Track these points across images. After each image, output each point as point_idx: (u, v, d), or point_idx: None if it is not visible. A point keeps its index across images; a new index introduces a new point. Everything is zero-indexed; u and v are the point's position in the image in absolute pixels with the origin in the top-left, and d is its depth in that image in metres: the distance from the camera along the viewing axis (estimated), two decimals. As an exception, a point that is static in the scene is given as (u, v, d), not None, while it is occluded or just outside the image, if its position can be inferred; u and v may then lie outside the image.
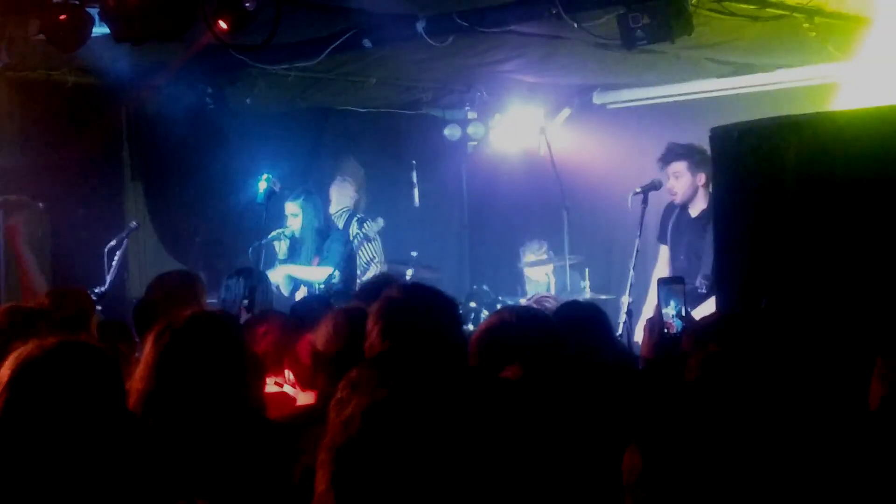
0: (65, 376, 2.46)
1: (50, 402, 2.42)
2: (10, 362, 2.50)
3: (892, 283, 4.02)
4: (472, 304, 8.25)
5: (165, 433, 2.66)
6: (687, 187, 6.76)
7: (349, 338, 3.17)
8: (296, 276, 7.72)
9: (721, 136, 4.69)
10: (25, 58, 6.58)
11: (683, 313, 3.51)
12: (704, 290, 6.24)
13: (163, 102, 7.89)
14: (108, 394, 2.51)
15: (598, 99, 9.68)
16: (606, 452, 1.90)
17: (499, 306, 8.20)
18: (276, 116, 8.74)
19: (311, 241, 7.68)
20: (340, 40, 6.74)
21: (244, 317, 5.42)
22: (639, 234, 6.60)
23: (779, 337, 2.74)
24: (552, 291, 8.08)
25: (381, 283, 4.70)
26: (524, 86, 8.90)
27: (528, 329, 2.94)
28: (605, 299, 7.79)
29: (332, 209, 8.46)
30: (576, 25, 6.19)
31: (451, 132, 9.48)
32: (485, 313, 8.12)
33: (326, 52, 6.84)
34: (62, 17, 5.37)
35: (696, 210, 6.79)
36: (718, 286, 4.83)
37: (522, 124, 9.18)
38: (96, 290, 6.41)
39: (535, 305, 4.91)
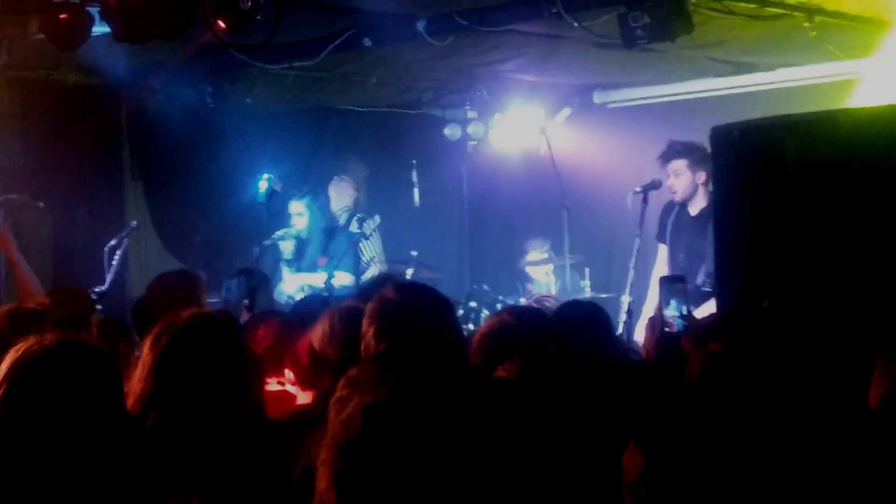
0: (62, 373, 2.46)
1: (46, 399, 2.43)
2: (8, 357, 2.50)
3: (893, 281, 4.02)
4: (473, 304, 8.26)
5: (164, 434, 2.66)
6: (687, 185, 6.76)
7: (345, 337, 3.16)
8: (313, 285, 7.65)
9: (721, 135, 4.69)
10: (26, 57, 6.58)
11: (685, 312, 3.50)
12: (709, 289, 6.23)
13: (163, 102, 7.89)
14: (105, 392, 2.51)
15: (598, 98, 9.68)
16: (605, 451, 1.90)
17: (499, 306, 8.21)
18: (276, 116, 8.75)
19: (316, 240, 7.67)
20: (340, 39, 6.74)
21: (245, 317, 5.43)
22: (639, 233, 6.60)
23: (780, 336, 2.73)
24: (553, 291, 8.08)
25: (380, 283, 4.70)
26: (524, 85, 8.90)
27: (528, 330, 2.93)
28: (606, 298, 7.79)
29: (333, 208, 8.46)
30: (576, 25, 6.20)
31: (451, 132, 9.48)
32: (485, 313, 8.12)
33: (327, 51, 6.84)
34: (62, 16, 5.37)
35: (695, 208, 6.79)
36: (719, 285, 4.83)
37: (523, 124, 9.18)
38: (96, 290, 6.42)
39: (535, 305, 4.90)
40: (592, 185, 8.90)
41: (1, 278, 6.36)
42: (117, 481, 2.39)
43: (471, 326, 8.00)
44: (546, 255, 8.86)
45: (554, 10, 6.00)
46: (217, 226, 8.59)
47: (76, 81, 7.56)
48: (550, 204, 8.53)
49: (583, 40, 6.92)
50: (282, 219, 7.95)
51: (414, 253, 8.53)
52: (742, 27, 6.67)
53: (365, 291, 4.50)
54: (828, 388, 2.54)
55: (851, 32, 6.97)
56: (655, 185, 6.73)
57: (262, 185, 7.17)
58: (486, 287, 8.67)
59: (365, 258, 8.26)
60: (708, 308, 5.54)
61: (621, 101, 9.56)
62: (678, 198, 6.82)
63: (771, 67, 8.35)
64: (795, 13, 6.43)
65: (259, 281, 5.98)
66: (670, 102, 9.10)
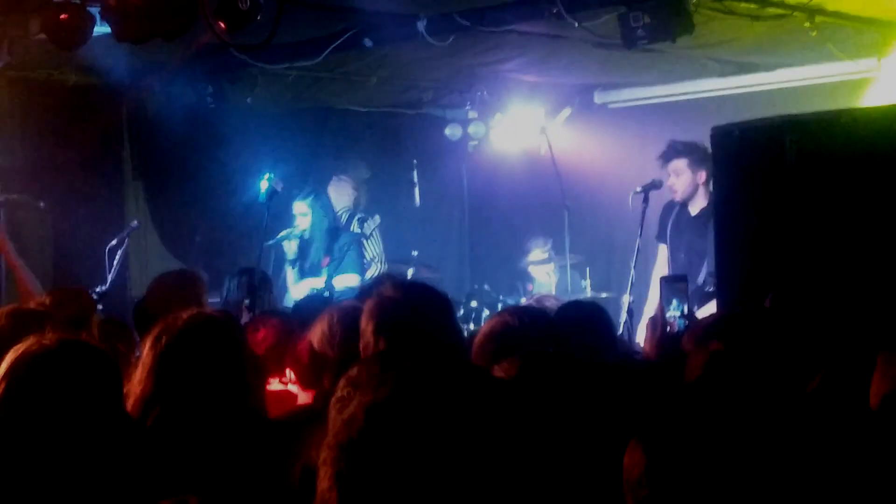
0: (62, 373, 2.46)
1: (45, 399, 2.43)
2: (8, 357, 2.50)
3: (893, 281, 4.02)
4: (473, 304, 8.26)
5: (164, 434, 2.66)
6: (687, 185, 6.76)
7: (344, 336, 3.16)
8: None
9: (722, 135, 4.69)
10: (26, 57, 6.58)
11: (686, 312, 3.50)
12: (711, 289, 6.23)
13: (163, 102, 7.89)
14: (104, 392, 2.51)
15: (598, 98, 9.68)
16: (605, 450, 1.90)
17: (499, 306, 8.21)
18: (276, 116, 8.75)
19: (320, 240, 7.64)
20: (341, 39, 6.74)
21: (246, 317, 5.43)
22: (639, 233, 6.60)
23: (780, 336, 2.74)
24: (553, 291, 8.08)
25: (380, 283, 4.70)
26: (525, 85, 8.90)
27: (530, 330, 2.93)
28: (606, 298, 7.80)
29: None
30: (577, 25, 6.20)
31: (451, 132, 9.48)
32: (486, 313, 8.13)
33: (327, 51, 6.84)
34: (63, 16, 5.37)
35: (696, 208, 6.79)
36: (719, 285, 4.83)
37: (523, 124, 9.19)
38: (97, 290, 6.42)
39: (535, 305, 4.90)
40: (593, 185, 8.91)
41: (1, 279, 6.36)
42: (116, 481, 2.39)
43: (471, 326, 8.00)
44: (548, 255, 8.86)
45: (554, 11, 6.01)
46: (218, 226, 8.59)
47: (77, 81, 7.57)
48: (551, 204, 8.53)
49: (583, 40, 6.92)
50: (283, 219, 7.94)
51: (415, 253, 8.53)
52: (743, 27, 6.67)
53: (365, 291, 4.50)
54: (828, 388, 2.54)
55: (852, 32, 6.98)
56: (656, 185, 6.73)
57: (263, 184, 7.16)
58: (486, 287, 8.67)
59: (366, 258, 8.25)
60: (711, 308, 5.54)
61: (622, 101, 9.56)
62: (678, 197, 6.82)
63: (771, 67, 8.35)
64: (796, 13, 6.43)
65: (260, 281, 5.97)
66: (671, 102, 9.10)
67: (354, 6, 6.20)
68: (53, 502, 2.36)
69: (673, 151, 6.82)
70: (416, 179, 9.45)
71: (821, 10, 6.43)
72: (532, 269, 9.01)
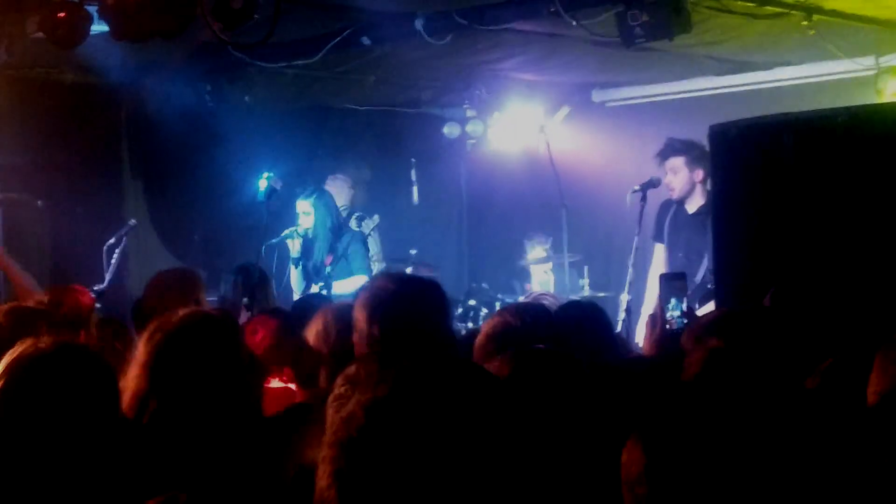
0: (58, 377, 2.46)
1: (41, 402, 2.43)
2: (5, 359, 2.50)
3: (891, 279, 4.03)
4: (472, 302, 8.26)
5: (158, 432, 2.65)
6: (684, 183, 6.77)
7: (339, 334, 3.17)
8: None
9: (720, 134, 4.69)
10: (24, 56, 6.57)
11: (685, 309, 3.50)
12: (712, 286, 6.23)
13: (162, 101, 7.88)
14: (100, 397, 2.51)
15: (596, 97, 9.68)
16: (602, 447, 1.90)
17: (498, 304, 8.21)
18: (275, 115, 8.74)
19: (323, 239, 7.61)
20: (339, 38, 6.73)
21: (244, 316, 5.42)
22: (637, 231, 6.60)
23: (779, 333, 2.74)
24: (551, 289, 8.08)
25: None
26: (523, 84, 8.90)
27: (532, 330, 2.93)
28: (604, 297, 7.80)
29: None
30: (575, 23, 6.20)
31: (450, 130, 9.48)
32: (484, 311, 8.13)
33: (325, 49, 6.83)
34: (61, 14, 5.36)
35: (693, 206, 6.80)
36: (717, 284, 4.84)
37: (521, 122, 9.19)
38: (95, 288, 6.41)
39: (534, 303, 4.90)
40: (591, 184, 8.91)
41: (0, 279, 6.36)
42: (110, 481, 2.39)
43: (469, 325, 8.00)
44: (544, 254, 8.86)
45: (552, 9, 6.01)
46: (216, 224, 8.59)
47: (75, 80, 7.56)
48: (549, 202, 8.53)
49: (581, 39, 6.92)
50: (282, 217, 7.94)
51: (413, 251, 8.52)
52: (741, 26, 6.68)
53: (361, 290, 4.50)
54: (826, 385, 2.55)
55: (850, 31, 6.98)
56: (654, 184, 6.74)
57: (262, 183, 7.15)
58: (484, 285, 8.68)
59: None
60: (712, 306, 5.54)
61: (620, 99, 9.56)
62: (675, 196, 6.82)
63: (769, 66, 8.36)
64: (794, 12, 6.44)
65: (258, 279, 5.95)
66: (669, 101, 9.10)
67: (353, 5, 6.20)
68: (48, 502, 2.36)
69: (670, 149, 6.82)
70: (414, 178, 9.45)
71: (819, 9, 6.44)
72: (530, 268, 9.01)
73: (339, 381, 2.26)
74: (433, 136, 9.59)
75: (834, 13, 6.55)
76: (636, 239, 6.60)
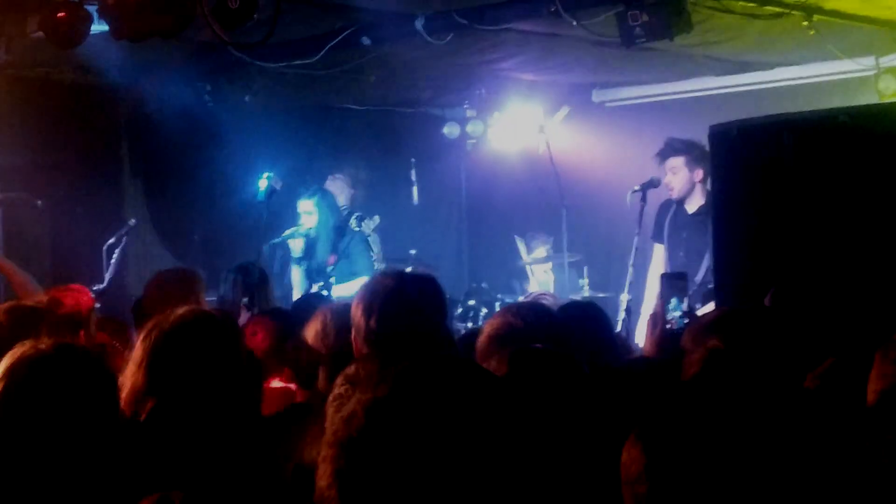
0: (58, 379, 2.46)
1: (41, 404, 2.43)
2: (5, 360, 2.50)
3: (890, 278, 4.03)
4: (471, 302, 8.26)
5: (156, 429, 2.65)
6: (684, 183, 6.77)
7: (338, 334, 3.17)
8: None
9: (720, 134, 4.69)
10: (24, 55, 6.57)
11: (686, 309, 3.50)
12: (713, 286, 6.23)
13: (161, 100, 7.88)
14: (99, 399, 2.51)
15: (596, 97, 9.69)
16: (602, 446, 1.90)
17: (497, 304, 8.22)
18: (274, 114, 8.74)
19: (326, 239, 7.59)
20: (339, 38, 6.73)
21: (244, 315, 5.41)
22: (637, 231, 6.60)
23: (779, 332, 2.74)
24: (551, 289, 8.08)
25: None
26: (523, 84, 8.90)
27: (535, 331, 2.92)
28: (604, 297, 7.80)
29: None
30: (575, 23, 6.20)
31: (449, 130, 9.48)
32: (484, 311, 8.13)
33: (325, 49, 6.83)
34: (61, 14, 5.36)
35: (693, 206, 6.80)
36: (717, 284, 4.84)
37: (521, 122, 9.19)
38: (95, 288, 6.41)
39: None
40: (591, 184, 8.91)
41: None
42: (107, 482, 2.39)
43: (469, 324, 8.00)
44: (544, 254, 8.87)
45: (552, 9, 6.01)
46: (216, 224, 8.59)
47: (74, 80, 7.56)
48: (549, 202, 8.54)
49: (581, 39, 6.93)
50: (282, 217, 7.94)
51: (413, 251, 8.52)
52: (741, 26, 6.68)
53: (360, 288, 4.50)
54: (826, 385, 2.55)
55: (850, 31, 6.98)
56: (654, 184, 6.74)
57: (262, 183, 7.15)
58: (484, 285, 8.67)
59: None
60: (713, 305, 5.54)
61: (620, 99, 9.56)
62: (675, 195, 6.83)
63: (770, 66, 8.36)
64: (794, 12, 6.44)
65: (258, 278, 5.94)
66: (669, 101, 9.10)
67: (353, 4, 6.20)
68: (45, 501, 2.36)
69: (670, 149, 6.83)
70: (414, 178, 9.45)
71: (819, 9, 6.44)
72: (530, 267, 9.01)
73: (339, 380, 2.26)
74: (433, 135, 9.59)
75: (834, 13, 6.55)
76: (636, 239, 6.60)
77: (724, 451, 1.31)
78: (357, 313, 2.97)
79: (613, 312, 6.20)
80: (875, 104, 6.93)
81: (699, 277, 6.40)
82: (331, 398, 2.21)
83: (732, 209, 4.64)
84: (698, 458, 1.31)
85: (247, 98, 8.02)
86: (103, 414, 2.51)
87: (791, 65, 8.22)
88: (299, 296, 7.47)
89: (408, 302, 2.96)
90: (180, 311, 2.86)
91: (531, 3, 6.29)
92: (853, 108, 5.17)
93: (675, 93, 9.06)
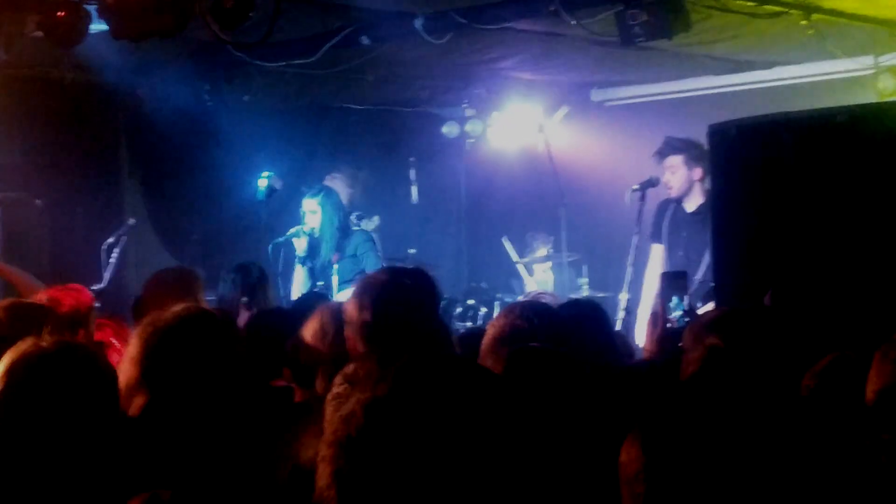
0: (58, 377, 2.46)
1: (40, 402, 2.43)
2: (6, 358, 2.50)
3: (890, 278, 4.03)
4: (471, 302, 8.26)
5: (148, 427, 2.64)
6: (683, 181, 6.76)
7: (337, 333, 3.17)
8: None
9: (719, 133, 4.69)
10: (23, 55, 6.57)
11: (687, 308, 3.49)
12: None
13: (160, 100, 7.88)
14: (101, 398, 2.51)
15: (595, 96, 9.69)
16: (603, 446, 1.90)
17: (497, 303, 8.22)
18: (273, 114, 8.74)
19: (330, 238, 7.57)
20: (338, 37, 6.73)
21: (244, 315, 5.41)
22: (636, 231, 6.60)
23: (778, 331, 2.74)
24: (551, 288, 8.08)
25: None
26: (522, 83, 8.90)
27: (540, 331, 2.92)
28: (603, 296, 7.80)
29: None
30: (574, 22, 6.20)
31: (449, 129, 9.48)
32: (483, 310, 8.13)
33: (324, 49, 6.83)
34: (60, 13, 5.36)
35: (692, 205, 6.80)
36: (717, 283, 4.84)
37: (520, 121, 9.19)
38: (94, 288, 6.41)
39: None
40: (590, 183, 8.91)
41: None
42: (101, 480, 2.39)
43: (468, 324, 8.00)
44: (548, 252, 8.87)
45: (552, 8, 6.01)
46: (215, 223, 8.59)
47: (73, 79, 7.56)
48: (548, 202, 8.54)
49: (581, 38, 6.93)
50: (281, 216, 7.93)
51: (412, 251, 8.52)
52: (740, 25, 6.68)
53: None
54: (825, 384, 2.55)
55: (849, 30, 6.98)
56: (653, 183, 6.74)
57: (262, 182, 7.14)
58: (483, 284, 8.67)
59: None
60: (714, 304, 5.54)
61: (619, 98, 9.56)
62: (674, 194, 6.83)
63: (768, 65, 8.36)
64: (793, 11, 6.44)
65: (257, 278, 5.94)
66: (668, 100, 9.10)
67: (352, 4, 6.20)
68: (43, 498, 2.36)
69: (669, 148, 6.82)
70: (413, 177, 9.44)
71: (818, 8, 6.44)
72: (526, 267, 9.01)
73: (338, 379, 2.25)
74: (432, 135, 9.59)
75: (833, 12, 6.55)
76: (635, 238, 6.60)
77: (723, 450, 1.31)
78: (351, 307, 2.98)
79: (612, 312, 6.20)
80: (874, 103, 6.93)
81: (699, 276, 6.40)
82: (329, 397, 2.20)
83: (731, 208, 4.64)
84: (697, 457, 1.31)
85: (246, 97, 8.02)
86: (104, 412, 2.51)
87: (790, 64, 8.22)
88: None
89: (400, 293, 2.96)
90: (176, 308, 2.85)
91: (530, 2, 6.29)
92: (852, 107, 5.17)
93: (674, 92, 9.06)
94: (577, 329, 3.46)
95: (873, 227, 4.16)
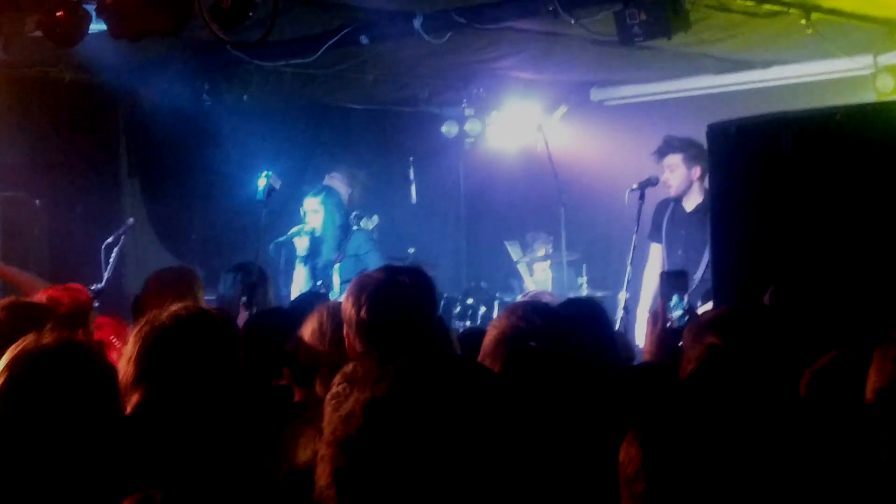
0: (59, 374, 2.46)
1: (41, 398, 2.43)
2: (8, 354, 2.50)
3: (889, 276, 4.03)
4: (470, 301, 8.26)
5: (142, 424, 2.64)
6: (682, 180, 6.77)
7: (336, 332, 3.17)
8: None
9: (718, 133, 4.69)
10: (22, 54, 6.56)
11: (687, 307, 3.49)
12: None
13: (160, 99, 7.88)
14: (101, 395, 2.51)
15: (595, 95, 9.69)
16: (602, 445, 1.90)
17: (496, 303, 8.22)
18: (273, 113, 8.74)
19: (331, 237, 7.56)
20: (337, 37, 6.74)
21: (244, 314, 5.41)
22: (636, 230, 6.60)
23: (777, 331, 2.74)
24: (549, 287, 8.09)
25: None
26: (521, 82, 8.90)
27: (543, 331, 2.92)
28: (603, 295, 7.80)
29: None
30: (573, 22, 6.20)
31: (448, 129, 9.48)
32: (483, 309, 8.13)
33: (323, 48, 6.83)
34: (59, 13, 5.36)
35: (691, 204, 6.80)
36: (716, 282, 4.84)
37: (519, 121, 9.19)
38: (93, 288, 6.41)
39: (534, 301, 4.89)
40: (589, 182, 8.91)
41: None
42: (98, 478, 2.39)
43: (468, 322, 8.01)
44: (547, 252, 8.87)
45: (551, 8, 6.01)
46: (215, 223, 8.59)
47: (73, 79, 7.56)
48: (547, 201, 8.53)
49: (580, 37, 6.93)
50: (281, 216, 7.93)
51: (411, 250, 8.52)
52: (739, 24, 6.68)
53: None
54: (825, 383, 2.55)
55: (848, 30, 6.99)
56: (652, 182, 6.74)
57: (261, 182, 7.13)
58: (483, 284, 8.67)
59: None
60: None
61: (618, 98, 9.56)
62: (673, 192, 6.83)
63: (768, 65, 8.37)
64: (792, 10, 6.44)
65: (257, 277, 5.94)
66: (667, 99, 9.11)
67: (351, 3, 6.21)
68: (41, 494, 2.36)
69: (668, 147, 6.83)
70: (412, 177, 9.44)
71: (817, 8, 6.44)
72: (529, 266, 9.01)
73: (337, 378, 2.26)
74: (431, 134, 9.59)
75: (832, 12, 6.56)
76: (634, 237, 6.59)
77: (722, 448, 1.31)
78: (347, 305, 2.98)
79: (612, 311, 6.20)
80: (873, 102, 6.94)
81: (698, 275, 6.41)
82: (329, 397, 2.21)
83: (730, 208, 4.64)
84: (696, 455, 1.31)
85: (245, 97, 8.02)
86: (104, 409, 2.51)
87: (789, 63, 8.22)
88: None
89: (396, 291, 2.96)
90: (174, 307, 2.85)
91: (529, 1, 6.29)
92: (851, 106, 5.18)
93: (673, 91, 9.06)
94: (578, 328, 3.46)
95: (872, 226, 4.16)
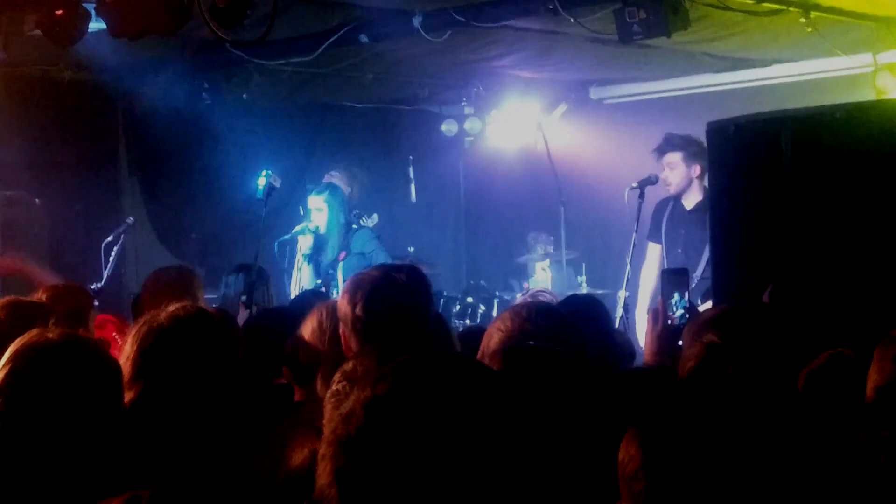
0: (63, 368, 2.46)
1: (45, 392, 2.42)
2: (11, 348, 2.50)
3: (889, 275, 4.03)
4: (470, 300, 8.26)
5: (139, 420, 2.64)
6: (681, 178, 6.77)
7: (335, 331, 3.17)
8: None
9: (717, 131, 4.69)
10: (22, 53, 6.57)
11: (688, 305, 3.49)
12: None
13: (159, 98, 7.88)
14: (104, 391, 2.51)
15: (594, 94, 9.69)
16: (602, 444, 1.90)
17: (496, 302, 8.22)
18: (272, 112, 8.74)
19: (335, 235, 7.55)
20: (337, 35, 6.73)
21: (244, 314, 5.41)
22: (635, 228, 6.60)
23: (777, 329, 2.74)
24: (549, 286, 8.09)
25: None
26: (521, 81, 8.90)
27: (546, 332, 2.92)
28: (602, 294, 7.80)
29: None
30: (572, 20, 6.20)
31: (447, 128, 9.48)
32: (482, 308, 8.13)
33: (323, 47, 6.83)
34: (58, 12, 5.36)
35: (690, 202, 6.80)
36: (716, 281, 4.84)
37: (519, 120, 9.19)
38: (93, 287, 6.41)
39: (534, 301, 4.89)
40: (589, 181, 8.91)
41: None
42: (96, 475, 2.39)
43: (467, 321, 8.01)
44: (549, 251, 8.87)
45: (550, 6, 6.01)
46: (214, 222, 8.59)
47: (72, 78, 7.56)
48: (547, 200, 8.54)
49: (579, 36, 6.93)
50: (281, 215, 7.93)
51: (411, 249, 8.52)
52: (738, 23, 6.68)
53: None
54: (824, 381, 2.55)
55: (847, 28, 6.99)
56: (652, 181, 6.73)
57: (261, 181, 7.13)
58: (482, 283, 8.67)
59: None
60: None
61: (618, 96, 9.56)
62: (673, 190, 6.83)
63: (767, 63, 8.36)
64: (792, 9, 6.44)
65: (257, 277, 5.95)
66: (666, 98, 9.10)
67: (351, 2, 6.21)
68: (42, 492, 2.36)
69: (668, 145, 6.83)
70: (412, 175, 9.45)
71: (816, 6, 6.44)
72: (528, 265, 9.01)
73: (337, 377, 2.26)
74: (431, 133, 9.59)
75: (832, 10, 6.55)
76: (634, 236, 6.59)
77: (722, 446, 1.31)
78: (343, 304, 2.98)
79: (611, 309, 6.20)
80: (872, 101, 6.94)
81: (698, 273, 6.41)
82: (329, 395, 2.21)
83: (730, 206, 4.64)
84: (696, 454, 1.31)
85: (245, 96, 8.02)
86: (107, 405, 2.51)
87: (789, 62, 8.22)
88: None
89: (392, 288, 2.97)
90: (172, 307, 2.85)
91: (528, 0, 6.29)
92: (851, 104, 5.17)
93: (672, 90, 9.06)
94: (579, 325, 3.46)
95: (871, 225, 4.16)
